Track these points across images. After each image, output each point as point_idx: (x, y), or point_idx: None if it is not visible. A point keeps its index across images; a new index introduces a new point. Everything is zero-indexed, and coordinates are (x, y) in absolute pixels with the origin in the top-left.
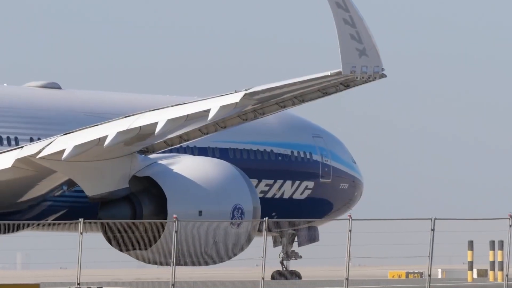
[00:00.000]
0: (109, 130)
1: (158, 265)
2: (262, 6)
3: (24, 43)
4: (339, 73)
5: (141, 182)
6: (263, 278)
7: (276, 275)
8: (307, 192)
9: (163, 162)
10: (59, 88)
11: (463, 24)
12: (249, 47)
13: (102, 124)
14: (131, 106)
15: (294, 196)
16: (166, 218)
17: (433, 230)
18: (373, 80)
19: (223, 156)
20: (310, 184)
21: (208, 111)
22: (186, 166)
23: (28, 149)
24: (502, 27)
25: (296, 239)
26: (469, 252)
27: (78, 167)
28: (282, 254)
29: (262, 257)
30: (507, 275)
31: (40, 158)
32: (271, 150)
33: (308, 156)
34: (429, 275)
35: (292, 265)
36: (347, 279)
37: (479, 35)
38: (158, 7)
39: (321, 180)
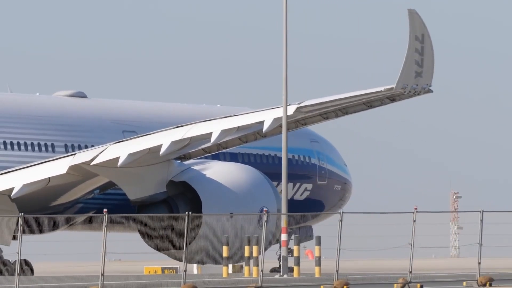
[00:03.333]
0: (162, 140)
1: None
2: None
3: (50, 54)
4: (391, 89)
5: (177, 187)
6: (262, 271)
7: (274, 271)
8: (306, 193)
9: (196, 167)
10: (85, 97)
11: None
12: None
13: (153, 133)
14: (154, 114)
15: (295, 197)
16: (201, 220)
17: (187, 227)
18: (419, 94)
19: (233, 160)
20: (309, 186)
21: (261, 122)
22: (217, 171)
23: (81, 157)
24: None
25: (292, 237)
26: (225, 248)
27: (123, 173)
28: (279, 251)
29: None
30: (262, 271)
31: (93, 165)
32: (275, 154)
33: (307, 160)
34: (185, 271)
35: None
36: (337, 271)
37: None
38: (191, 15)
39: (318, 182)
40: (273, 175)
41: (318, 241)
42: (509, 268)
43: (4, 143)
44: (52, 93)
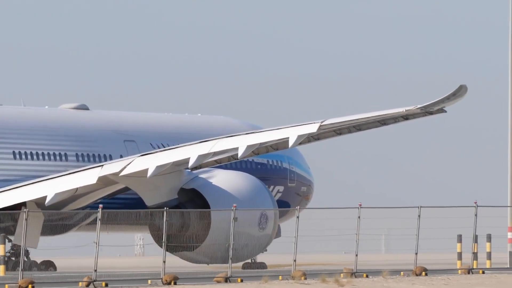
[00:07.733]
0: (189, 153)
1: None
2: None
3: (50, 67)
4: (410, 110)
5: (187, 193)
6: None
7: (245, 267)
8: (278, 195)
9: (203, 176)
10: (87, 109)
11: None
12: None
13: (179, 147)
14: (151, 124)
15: None
16: (210, 224)
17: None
18: (432, 114)
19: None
20: (281, 188)
21: (284, 139)
22: (222, 179)
23: (109, 168)
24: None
25: None
26: None
27: (142, 182)
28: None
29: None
30: None
31: (121, 175)
32: (252, 160)
33: (279, 164)
34: None
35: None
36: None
37: None
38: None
39: (289, 184)
40: None
41: (3, 240)
42: (192, 266)
43: (25, 153)
44: (58, 106)
